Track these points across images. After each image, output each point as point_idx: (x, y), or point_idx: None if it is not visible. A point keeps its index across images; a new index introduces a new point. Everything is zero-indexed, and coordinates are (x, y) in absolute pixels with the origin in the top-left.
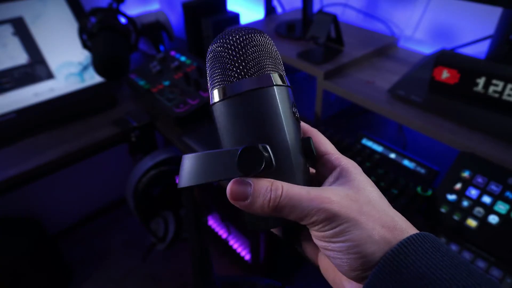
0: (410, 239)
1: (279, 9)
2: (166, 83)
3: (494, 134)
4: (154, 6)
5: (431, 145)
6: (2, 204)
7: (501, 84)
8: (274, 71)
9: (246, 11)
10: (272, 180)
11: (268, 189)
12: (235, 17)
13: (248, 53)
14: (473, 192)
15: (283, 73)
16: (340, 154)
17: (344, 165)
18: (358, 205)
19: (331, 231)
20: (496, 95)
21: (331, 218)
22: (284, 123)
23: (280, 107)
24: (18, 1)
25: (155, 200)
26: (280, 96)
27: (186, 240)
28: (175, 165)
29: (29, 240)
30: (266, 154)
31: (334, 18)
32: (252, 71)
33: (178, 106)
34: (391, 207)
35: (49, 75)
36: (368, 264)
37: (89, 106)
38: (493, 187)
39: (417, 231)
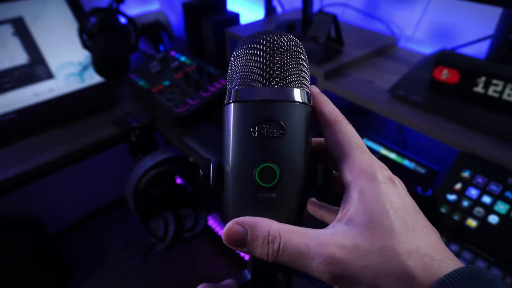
0: None
1: (279, 9)
2: (166, 83)
3: (494, 134)
4: (154, 6)
5: (431, 145)
6: (2, 204)
7: (501, 84)
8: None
9: (246, 11)
10: (271, 226)
11: (266, 241)
12: (235, 17)
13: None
14: (473, 192)
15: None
16: (357, 158)
17: (356, 182)
18: (370, 262)
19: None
20: (496, 95)
21: (338, 279)
22: (230, 143)
23: (232, 125)
24: (18, 1)
25: (155, 200)
26: (236, 113)
27: (186, 240)
28: (175, 165)
29: (29, 240)
30: (204, 171)
31: (334, 18)
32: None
33: (178, 106)
34: (419, 238)
35: (49, 75)
36: None
37: (89, 106)
38: (493, 187)
39: (451, 269)
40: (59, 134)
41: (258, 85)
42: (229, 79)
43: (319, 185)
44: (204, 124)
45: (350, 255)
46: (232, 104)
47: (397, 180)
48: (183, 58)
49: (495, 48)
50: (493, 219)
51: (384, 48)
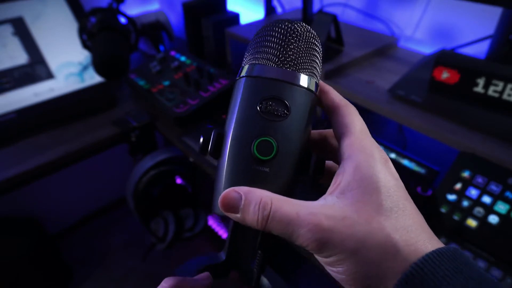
0: (417, 268)
1: (279, 9)
2: (166, 83)
3: (494, 134)
4: (154, 6)
5: (431, 145)
6: (2, 204)
7: (501, 84)
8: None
9: (246, 11)
10: (263, 194)
11: (256, 207)
12: (235, 17)
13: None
14: (473, 192)
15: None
16: (359, 137)
17: (354, 158)
18: (356, 231)
19: (325, 259)
20: (496, 95)
21: (322, 247)
22: (235, 114)
23: (240, 97)
24: (18, 1)
25: (155, 200)
26: (247, 86)
27: (186, 240)
28: (175, 165)
29: (29, 240)
30: (205, 137)
31: (334, 18)
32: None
33: (178, 106)
34: (406, 217)
35: (49, 75)
36: None
37: (89, 106)
38: (493, 187)
39: (433, 248)
40: (59, 134)
41: (271, 64)
42: (246, 55)
43: (310, 173)
44: (204, 124)
45: (337, 224)
46: (244, 78)
47: (391, 165)
48: (183, 58)
49: (495, 48)
50: (493, 219)
51: (384, 48)
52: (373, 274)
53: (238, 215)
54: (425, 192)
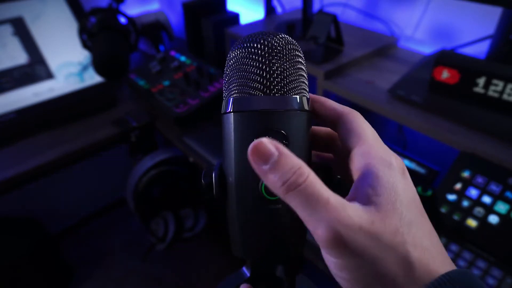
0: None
1: (279, 9)
2: (166, 83)
3: (494, 134)
4: (154, 6)
5: (431, 145)
6: (2, 204)
7: (501, 84)
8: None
9: (246, 11)
10: (302, 164)
11: (292, 171)
12: (235, 17)
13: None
14: (473, 192)
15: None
16: (375, 146)
17: (372, 169)
18: (381, 240)
19: (333, 260)
20: (496, 95)
21: (339, 245)
22: (233, 155)
23: (233, 136)
24: (18, 1)
25: (155, 200)
26: (237, 124)
27: (186, 240)
28: (175, 165)
29: (29, 240)
30: (206, 180)
31: (334, 18)
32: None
33: (178, 106)
34: (423, 234)
35: (49, 75)
36: None
37: (89, 106)
38: (493, 187)
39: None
40: (59, 134)
41: (258, 93)
42: (226, 83)
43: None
44: (204, 124)
45: (365, 226)
46: (232, 114)
47: (408, 175)
48: (183, 58)
49: (495, 48)
50: (493, 219)
51: (384, 48)
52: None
53: (265, 167)
54: (425, 192)
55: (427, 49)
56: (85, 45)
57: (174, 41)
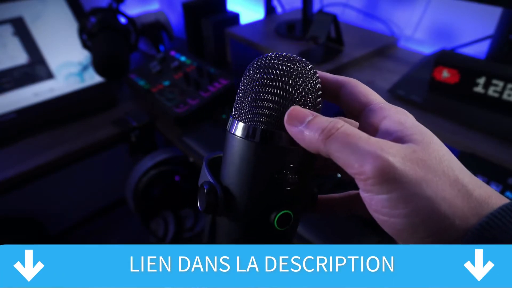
0: (500, 211)
1: (279, 9)
2: (166, 83)
3: (494, 134)
4: (154, 6)
5: None
6: (2, 204)
7: (501, 84)
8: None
9: (246, 11)
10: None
11: (329, 121)
12: (235, 17)
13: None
14: None
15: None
16: (386, 103)
17: (394, 116)
18: (428, 165)
19: (387, 196)
20: (496, 95)
21: (391, 178)
22: (249, 183)
23: (253, 164)
24: (18, 1)
25: (155, 200)
26: (261, 154)
27: (186, 240)
28: (175, 165)
29: (30, 240)
30: (211, 199)
31: (334, 18)
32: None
33: (178, 106)
34: (464, 168)
35: (49, 75)
36: (438, 236)
37: (89, 106)
38: (493, 187)
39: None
40: (59, 134)
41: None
42: (240, 105)
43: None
44: (204, 124)
45: (409, 154)
46: (252, 142)
47: None
48: (183, 58)
49: (495, 48)
50: None
51: (384, 48)
52: (441, 215)
53: (301, 127)
54: None
55: (427, 49)
56: (85, 45)
57: (174, 41)
